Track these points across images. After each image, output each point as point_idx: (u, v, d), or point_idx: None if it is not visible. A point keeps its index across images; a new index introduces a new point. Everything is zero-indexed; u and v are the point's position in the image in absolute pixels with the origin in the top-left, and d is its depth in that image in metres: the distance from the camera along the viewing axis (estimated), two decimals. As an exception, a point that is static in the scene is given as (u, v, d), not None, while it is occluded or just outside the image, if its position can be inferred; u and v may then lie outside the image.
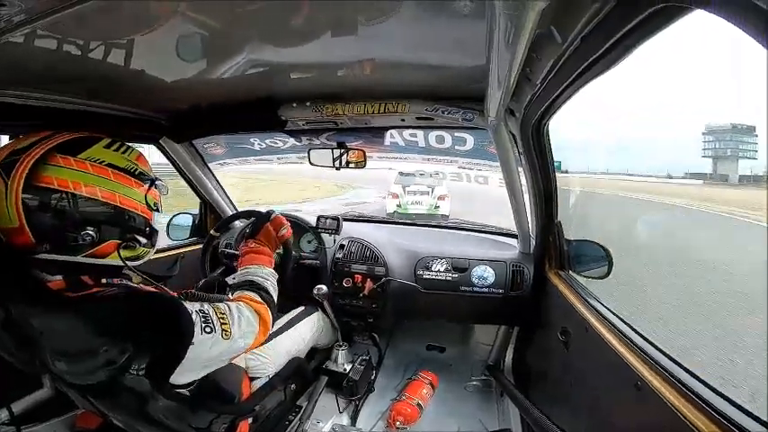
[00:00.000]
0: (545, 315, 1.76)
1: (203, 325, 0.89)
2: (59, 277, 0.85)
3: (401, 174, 10.08)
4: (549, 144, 1.38)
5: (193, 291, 1.33)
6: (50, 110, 1.22)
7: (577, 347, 1.31)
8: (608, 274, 1.53)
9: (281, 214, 2.04)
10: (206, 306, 0.95)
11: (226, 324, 0.94)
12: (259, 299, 1.12)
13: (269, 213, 1.39)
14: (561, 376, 1.44)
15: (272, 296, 1.17)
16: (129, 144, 1.00)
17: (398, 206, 9.44)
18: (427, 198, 9.55)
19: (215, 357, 0.94)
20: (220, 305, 0.99)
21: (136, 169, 0.97)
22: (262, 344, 1.10)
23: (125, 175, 0.94)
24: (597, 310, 1.22)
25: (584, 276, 1.58)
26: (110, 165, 0.91)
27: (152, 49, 0.98)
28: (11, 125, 1.13)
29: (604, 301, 1.29)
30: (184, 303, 0.89)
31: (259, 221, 1.36)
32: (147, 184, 1.00)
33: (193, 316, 0.88)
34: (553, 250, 1.72)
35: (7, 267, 0.81)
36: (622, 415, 0.98)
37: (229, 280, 1.56)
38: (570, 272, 1.65)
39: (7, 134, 1.14)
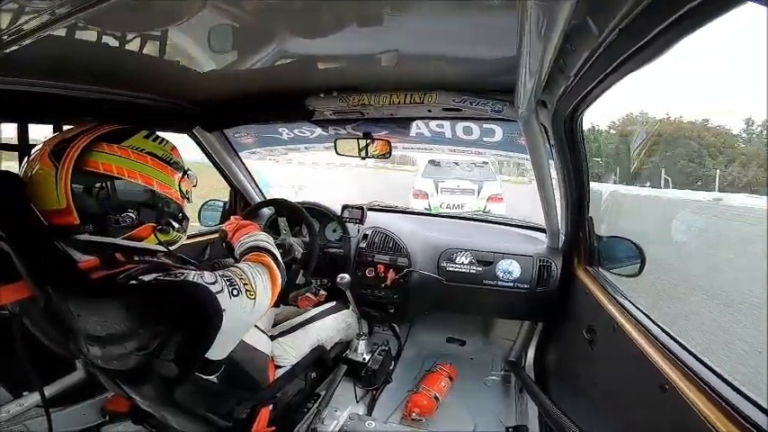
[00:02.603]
0: (571, 312, 1.73)
1: (230, 289, 0.92)
2: (93, 257, 0.90)
3: (432, 163, 7.37)
4: (583, 137, 1.33)
5: (213, 263, 1.38)
6: (90, 101, 1.29)
7: (603, 346, 1.29)
8: (640, 272, 1.48)
9: (307, 203, 2.09)
10: (227, 272, 0.99)
11: (247, 284, 0.98)
12: (257, 252, 1.16)
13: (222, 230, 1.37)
14: (584, 375, 1.42)
15: (270, 250, 1.20)
16: (163, 136, 1.07)
17: (428, 209, 6.26)
18: (472, 199, 6.75)
19: (247, 319, 0.98)
20: (234, 269, 1.02)
21: (171, 159, 1.05)
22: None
23: (162, 163, 1.02)
24: (627, 309, 1.19)
25: (616, 274, 1.54)
26: (149, 153, 0.99)
27: (186, 41, 1.01)
28: (54, 115, 1.21)
29: (635, 299, 1.25)
30: (207, 274, 0.92)
31: (222, 234, 1.36)
32: (181, 173, 1.08)
33: (218, 283, 0.91)
34: (583, 246, 1.67)
35: (47, 249, 0.86)
36: (645, 417, 0.95)
37: None
38: (600, 269, 1.60)
39: (51, 124, 1.22)
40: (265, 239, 1.25)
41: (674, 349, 0.91)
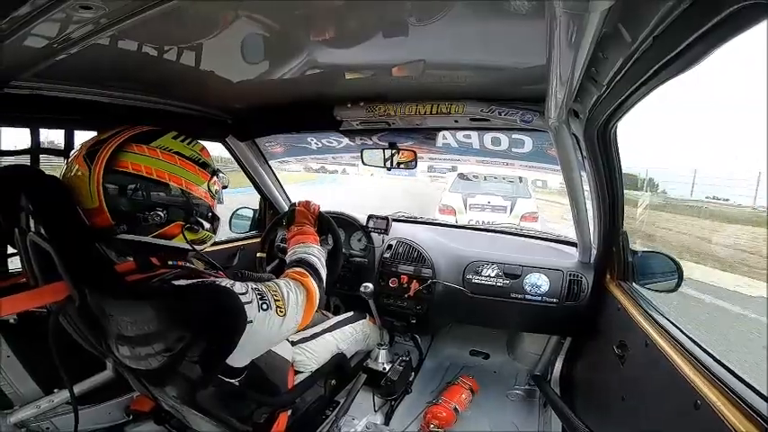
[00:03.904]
0: (601, 327, 1.68)
1: (260, 302, 0.93)
2: (130, 259, 0.95)
3: (461, 177, 7.13)
4: (617, 148, 1.28)
5: (244, 272, 1.42)
6: (129, 108, 1.37)
7: (634, 362, 1.24)
8: (677, 287, 1.45)
9: (334, 213, 2.11)
10: (260, 286, 0.99)
11: (279, 301, 0.98)
12: (302, 270, 1.17)
13: (293, 203, 1.54)
14: (613, 391, 1.37)
15: (316, 268, 1.21)
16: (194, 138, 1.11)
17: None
18: (503, 217, 6.25)
19: (273, 335, 0.99)
20: (270, 284, 1.03)
21: (199, 159, 1.08)
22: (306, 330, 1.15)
23: (190, 163, 1.05)
24: (661, 325, 1.15)
25: (651, 290, 1.49)
26: (177, 153, 1.03)
27: (221, 51, 1.06)
28: (94, 122, 1.28)
29: (670, 315, 1.21)
30: (238, 284, 0.93)
31: (289, 212, 1.50)
32: (210, 174, 1.10)
33: (248, 294, 0.92)
34: (616, 261, 1.62)
35: (86, 250, 0.90)
36: None
37: None
38: (634, 284, 1.55)
39: (92, 129, 1.29)
40: (317, 255, 1.26)
41: (709, 365, 0.88)
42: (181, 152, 1.03)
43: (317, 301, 1.13)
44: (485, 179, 7.01)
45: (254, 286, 0.97)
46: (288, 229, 1.44)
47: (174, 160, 1.01)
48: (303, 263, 1.21)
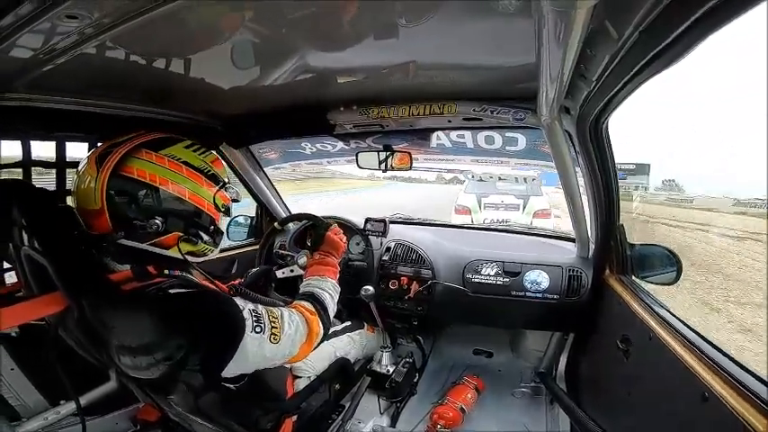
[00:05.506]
0: (603, 322, 1.67)
1: (254, 324, 0.94)
2: (126, 267, 0.95)
3: (474, 178, 7.35)
4: (609, 142, 1.29)
5: (247, 290, 1.40)
6: (119, 118, 1.35)
7: (638, 356, 1.24)
8: (677, 279, 1.44)
9: (331, 216, 2.10)
10: (260, 307, 0.99)
11: (276, 328, 0.98)
12: (313, 309, 1.13)
13: (328, 223, 1.45)
14: (618, 386, 1.37)
15: (326, 308, 1.18)
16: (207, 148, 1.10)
17: (470, 227, 6.25)
18: (517, 215, 6.57)
19: (260, 360, 0.98)
20: (274, 309, 1.02)
21: (209, 170, 1.07)
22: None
23: (197, 173, 1.04)
24: (663, 318, 1.15)
25: (650, 283, 1.49)
26: (185, 162, 1.02)
27: (211, 58, 1.05)
28: (85, 132, 1.27)
29: (671, 307, 1.21)
30: (237, 300, 0.94)
31: (319, 232, 1.41)
32: (218, 186, 1.09)
33: (245, 313, 0.93)
34: (614, 255, 1.62)
35: (81, 260, 0.90)
36: (685, 427, 0.91)
37: (279, 273, 1.63)
38: (633, 277, 1.55)
39: (83, 141, 1.28)
40: (331, 292, 1.23)
41: (715, 356, 0.88)
42: (189, 162, 1.03)
43: (317, 343, 1.11)
44: (499, 179, 7.25)
45: (252, 308, 0.97)
46: (312, 253, 1.38)
47: (181, 169, 1.01)
48: (314, 299, 1.18)
